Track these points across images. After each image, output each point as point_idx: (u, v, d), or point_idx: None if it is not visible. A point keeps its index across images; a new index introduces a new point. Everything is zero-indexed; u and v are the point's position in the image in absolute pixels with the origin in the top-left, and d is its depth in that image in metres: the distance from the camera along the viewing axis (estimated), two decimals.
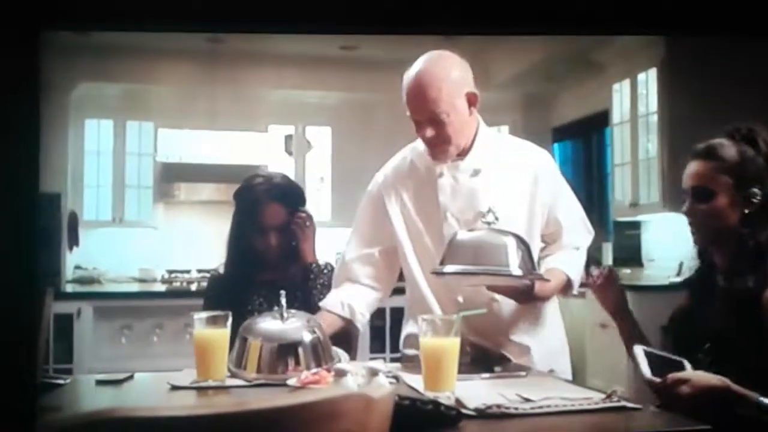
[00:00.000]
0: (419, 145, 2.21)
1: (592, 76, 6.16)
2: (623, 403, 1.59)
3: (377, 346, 5.07)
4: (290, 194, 2.45)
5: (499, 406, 1.54)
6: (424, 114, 2.05)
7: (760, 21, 1.44)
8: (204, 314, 1.91)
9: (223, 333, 1.90)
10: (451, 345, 1.71)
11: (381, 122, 6.97)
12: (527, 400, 1.59)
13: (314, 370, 1.83)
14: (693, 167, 1.91)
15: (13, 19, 1.11)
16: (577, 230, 2.24)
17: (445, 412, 1.46)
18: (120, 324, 5.08)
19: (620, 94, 5.86)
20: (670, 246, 5.34)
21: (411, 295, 2.25)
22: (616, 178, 5.93)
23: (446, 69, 2.05)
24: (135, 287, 6.20)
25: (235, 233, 2.46)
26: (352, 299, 2.22)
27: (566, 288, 2.18)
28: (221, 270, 2.50)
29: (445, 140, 2.08)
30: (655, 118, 5.47)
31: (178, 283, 6.23)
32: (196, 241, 6.37)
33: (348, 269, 2.26)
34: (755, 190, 1.85)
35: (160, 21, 1.20)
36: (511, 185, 2.15)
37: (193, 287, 6.06)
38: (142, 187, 6.65)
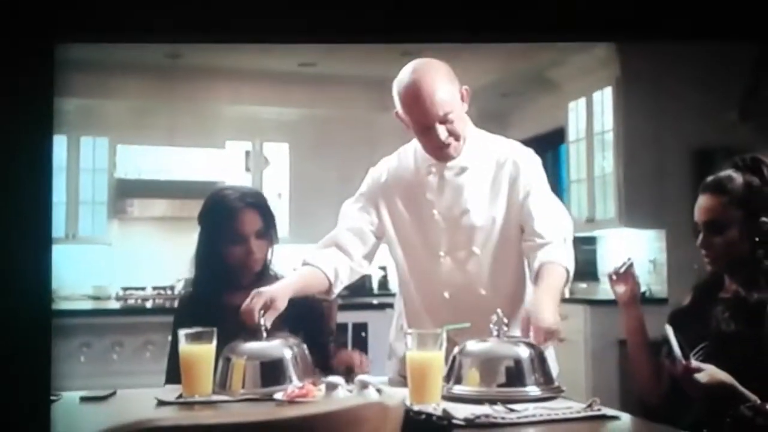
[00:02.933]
0: (405, 151, 2.25)
1: (548, 94, 6.28)
2: (603, 411, 1.65)
3: None
4: (261, 200, 2.40)
5: (487, 416, 1.58)
6: (435, 117, 2.07)
7: (720, 25, 1.49)
8: (189, 330, 1.91)
9: (209, 349, 1.90)
10: (437, 358, 1.75)
11: (338, 139, 7.02)
12: (512, 410, 1.64)
13: (299, 384, 1.85)
14: (703, 201, 1.97)
15: (28, 32, 1.11)
16: (551, 221, 2.16)
17: (437, 422, 1.50)
18: (78, 342, 4.99)
19: (576, 112, 5.99)
20: None
21: (401, 291, 2.28)
22: (572, 194, 6.03)
23: (440, 71, 2.10)
24: (89, 304, 6.10)
25: (208, 250, 2.34)
26: (339, 265, 2.18)
27: (566, 281, 2.13)
28: (179, 287, 2.43)
29: (457, 136, 2.12)
30: (610, 135, 5.61)
31: (132, 301, 6.15)
32: (151, 257, 6.31)
33: (342, 236, 2.22)
34: (765, 219, 1.91)
35: (175, 32, 1.21)
36: (495, 182, 2.18)
37: (149, 304, 5.99)
38: (95, 203, 6.57)
